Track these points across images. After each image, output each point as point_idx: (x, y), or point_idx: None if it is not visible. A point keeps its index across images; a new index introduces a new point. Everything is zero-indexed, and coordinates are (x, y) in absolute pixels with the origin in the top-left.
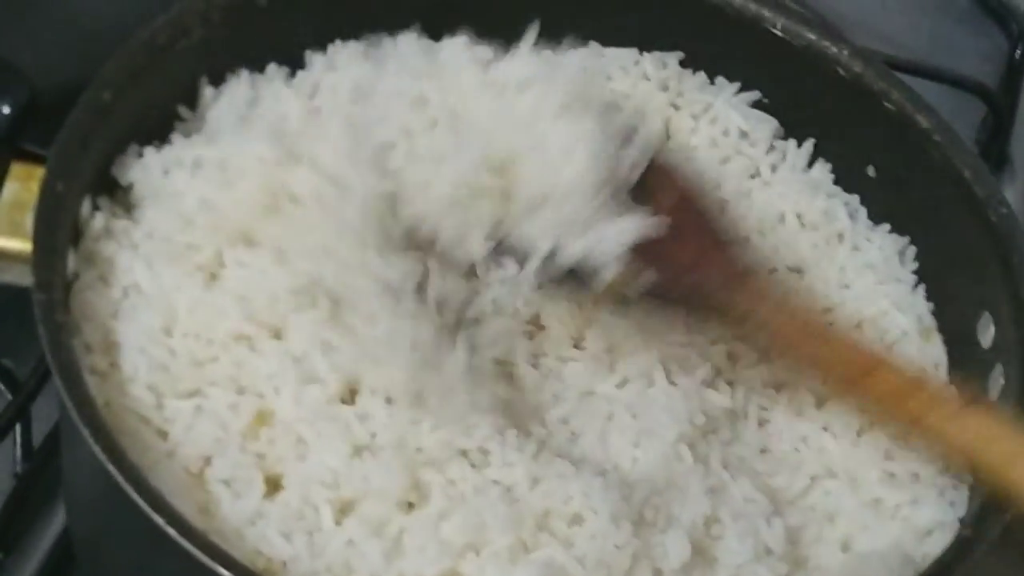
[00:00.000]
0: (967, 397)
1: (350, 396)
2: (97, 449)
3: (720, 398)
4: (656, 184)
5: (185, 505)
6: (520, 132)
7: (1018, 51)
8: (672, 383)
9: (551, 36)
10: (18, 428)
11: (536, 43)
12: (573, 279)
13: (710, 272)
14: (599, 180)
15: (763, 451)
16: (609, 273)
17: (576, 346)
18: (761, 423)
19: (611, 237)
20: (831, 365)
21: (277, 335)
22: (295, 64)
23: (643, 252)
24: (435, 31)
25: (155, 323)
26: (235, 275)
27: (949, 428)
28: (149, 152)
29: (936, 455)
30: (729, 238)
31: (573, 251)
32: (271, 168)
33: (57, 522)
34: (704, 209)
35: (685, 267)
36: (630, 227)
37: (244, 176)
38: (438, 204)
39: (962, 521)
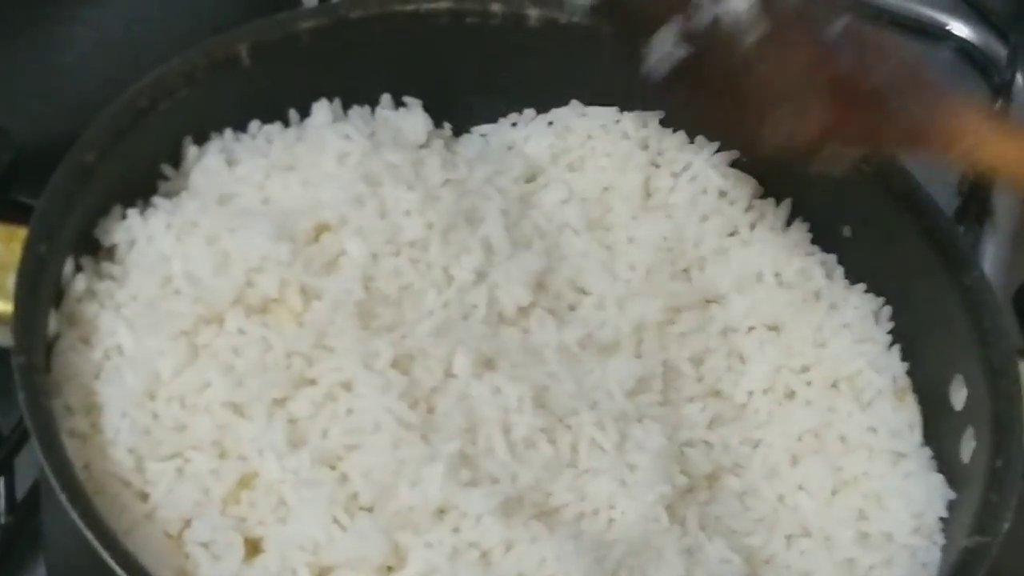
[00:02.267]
0: None
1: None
2: (74, 514)
3: (700, 459)
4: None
5: (163, 569)
6: None
7: (999, 102)
8: (653, 444)
9: (533, 94)
10: (1, 481)
11: (521, 102)
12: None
13: (916, 116)
14: None
15: (739, 510)
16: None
17: None
18: (738, 481)
19: None
20: None
21: (262, 400)
22: (279, 121)
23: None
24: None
25: (138, 387)
26: (221, 343)
27: None
28: (132, 214)
29: None
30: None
31: None
32: (271, 264)
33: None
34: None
35: (889, 119)
36: None
37: (235, 263)
38: None
39: None
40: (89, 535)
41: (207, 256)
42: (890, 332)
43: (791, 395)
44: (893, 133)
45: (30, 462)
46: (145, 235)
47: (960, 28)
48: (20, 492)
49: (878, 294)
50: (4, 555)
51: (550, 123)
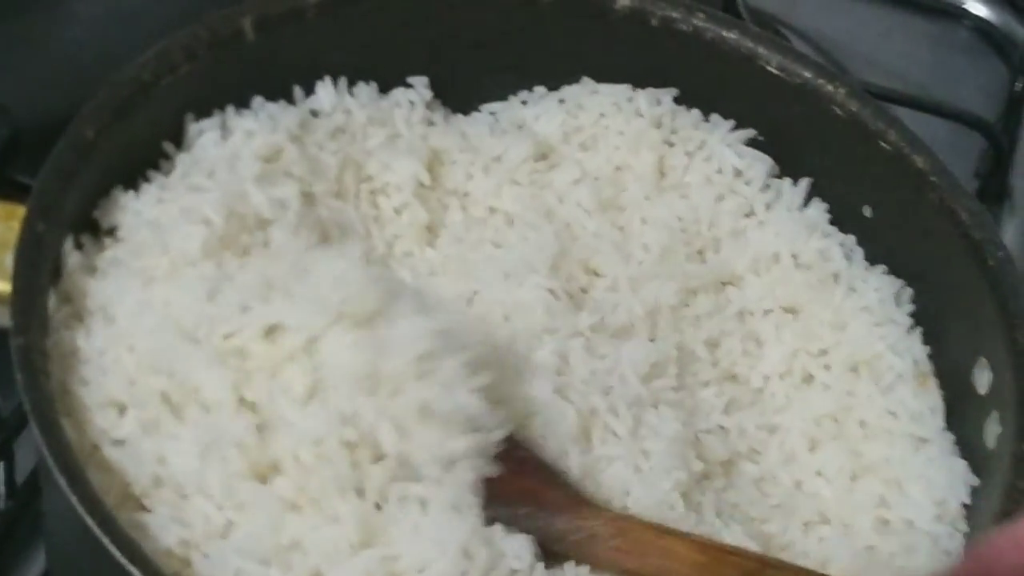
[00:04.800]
0: None
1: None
2: (73, 498)
3: (716, 445)
4: None
5: (162, 556)
6: None
7: (1018, 83)
8: (668, 430)
9: (544, 71)
10: (1, 465)
11: (531, 79)
12: None
13: (551, 496)
14: None
15: (756, 497)
16: None
17: None
18: (755, 467)
19: None
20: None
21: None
22: (283, 99)
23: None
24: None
25: (112, 366)
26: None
27: None
28: (134, 193)
29: None
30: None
31: None
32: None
33: (40, 561)
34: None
35: (527, 496)
36: None
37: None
38: None
39: None
40: (88, 520)
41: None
42: (911, 315)
43: (809, 379)
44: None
45: (30, 446)
46: (137, 212)
47: (977, 7)
48: (20, 476)
49: (899, 276)
50: (4, 539)
51: (561, 101)
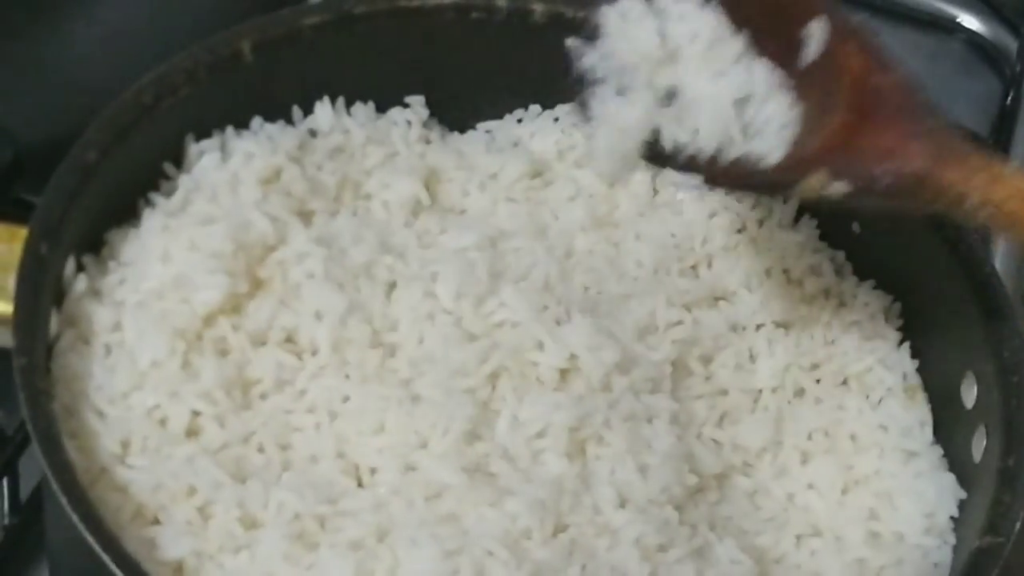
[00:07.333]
0: None
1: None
2: (75, 517)
3: (710, 458)
4: (833, 54)
5: (163, 573)
6: None
7: (1010, 96)
8: (662, 444)
9: (539, 90)
10: (5, 482)
11: (526, 98)
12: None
13: (913, 156)
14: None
15: (749, 510)
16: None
17: None
18: (748, 481)
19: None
20: None
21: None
22: (282, 119)
23: (834, 145)
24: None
25: (127, 389)
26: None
27: None
28: (137, 219)
29: None
30: (925, 109)
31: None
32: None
33: None
34: (892, 80)
35: (884, 154)
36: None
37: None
38: None
39: None
40: (90, 539)
41: (202, 258)
42: (900, 329)
43: (801, 393)
44: (912, 156)
45: (34, 463)
46: (144, 233)
47: (970, 20)
48: (24, 493)
49: (888, 291)
50: (8, 556)
51: (556, 119)
